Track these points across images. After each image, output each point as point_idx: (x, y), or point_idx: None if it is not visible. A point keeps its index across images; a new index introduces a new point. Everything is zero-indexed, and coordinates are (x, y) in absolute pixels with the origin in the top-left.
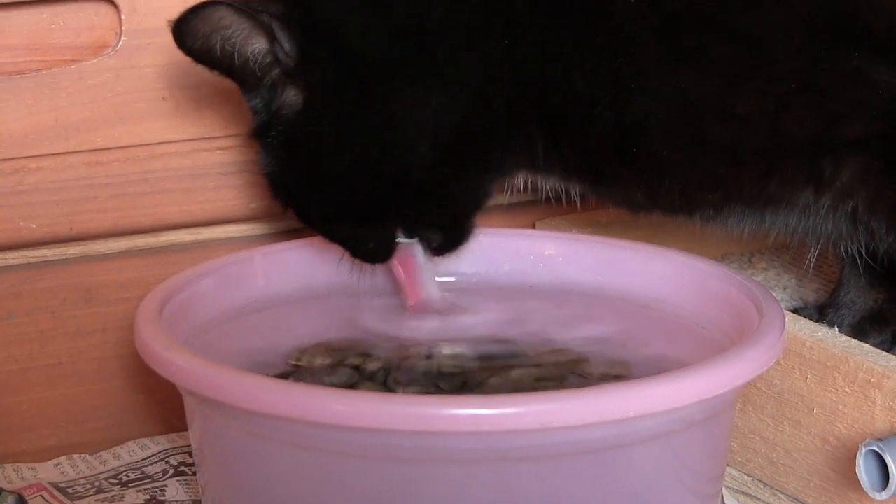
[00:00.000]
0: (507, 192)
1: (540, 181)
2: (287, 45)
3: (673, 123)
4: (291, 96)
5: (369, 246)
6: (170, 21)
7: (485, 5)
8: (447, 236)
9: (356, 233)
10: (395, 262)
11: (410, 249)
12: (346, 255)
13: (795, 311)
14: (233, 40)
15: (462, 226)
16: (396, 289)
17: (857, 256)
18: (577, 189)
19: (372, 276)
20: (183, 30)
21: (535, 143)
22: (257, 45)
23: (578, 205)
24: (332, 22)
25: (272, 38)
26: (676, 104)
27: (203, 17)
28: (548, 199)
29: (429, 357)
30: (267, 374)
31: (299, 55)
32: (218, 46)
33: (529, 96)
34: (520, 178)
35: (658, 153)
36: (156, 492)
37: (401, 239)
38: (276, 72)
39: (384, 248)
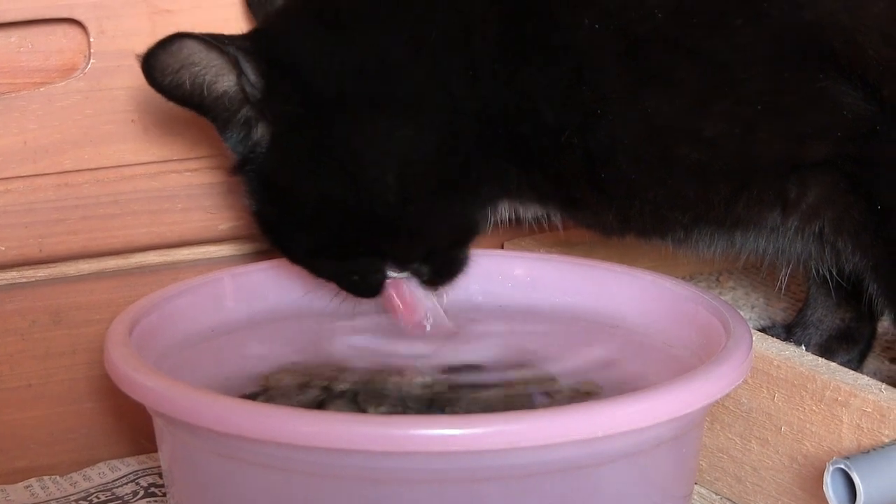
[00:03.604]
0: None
1: (521, 210)
2: (253, 77)
3: (640, 147)
4: (261, 132)
5: (354, 280)
6: (138, 56)
7: (445, 39)
8: (435, 269)
9: (339, 268)
10: (389, 288)
11: (402, 281)
12: (336, 289)
13: (763, 329)
14: (202, 76)
15: (450, 258)
16: (392, 313)
17: (829, 276)
18: (557, 214)
19: (357, 305)
20: (152, 65)
21: (508, 172)
22: (227, 81)
23: (561, 229)
24: (295, 57)
25: (239, 71)
26: (643, 128)
27: (171, 51)
28: (529, 224)
29: (398, 377)
30: (236, 395)
31: (265, 88)
32: (188, 83)
33: (497, 126)
34: (502, 208)
35: (626, 177)
36: None
37: (392, 273)
38: (247, 108)
39: (371, 283)
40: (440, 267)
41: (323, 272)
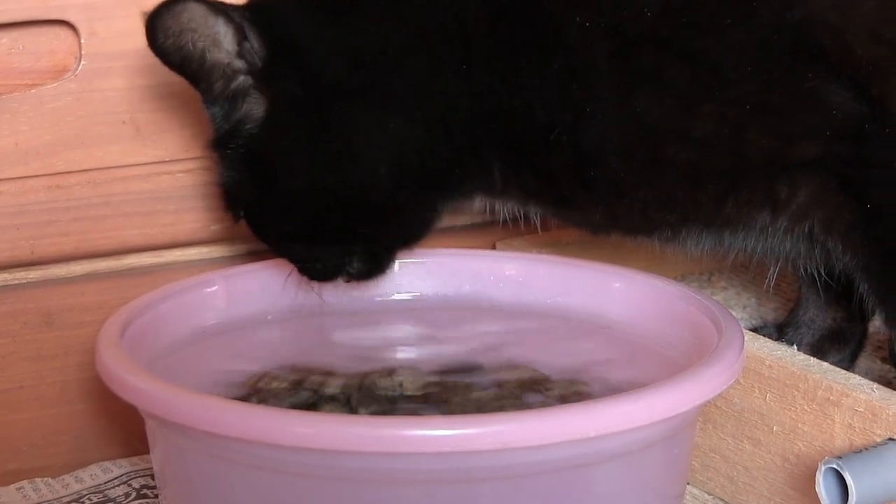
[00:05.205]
0: (464, 214)
1: (497, 205)
2: (257, 45)
3: (629, 146)
4: (254, 106)
5: (317, 265)
6: (144, 13)
7: (442, 34)
8: (368, 265)
9: (307, 251)
10: None
11: None
12: (294, 272)
13: (755, 329)
14: (202, 42)
15: (388, 256)
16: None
17: (817, 276)
18: (537, 212)
19: (318, 293)
20: (155, 24)
21: (491, 168)
22: (226, 49)
23: (539, 227)
24: (295, 38)
25: (243, 38)
26: (632, 127)
27: (175, 13)
28: (506, 221)
29: (389, 377)
30: (228, 397)
31: (268, 58)
32: (188, 47)
33: (488, 122)
34: (476, 202)
35: (615, 176)
36: None
37: None
38: (240, 80)
39: (332, 268)
40: (374, 263)
41: (288, 253)
